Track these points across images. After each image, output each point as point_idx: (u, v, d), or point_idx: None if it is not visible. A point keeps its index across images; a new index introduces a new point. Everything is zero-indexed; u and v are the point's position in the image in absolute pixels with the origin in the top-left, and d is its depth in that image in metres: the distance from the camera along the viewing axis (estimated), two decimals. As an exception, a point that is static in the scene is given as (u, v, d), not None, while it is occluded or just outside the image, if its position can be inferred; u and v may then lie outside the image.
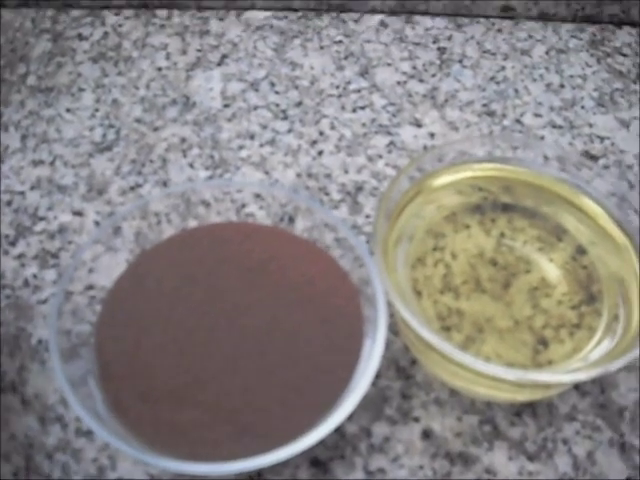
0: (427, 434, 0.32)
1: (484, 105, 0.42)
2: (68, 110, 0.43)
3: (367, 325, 0.31)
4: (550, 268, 0.34)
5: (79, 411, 0.28)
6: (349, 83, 0.43)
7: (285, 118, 0.42)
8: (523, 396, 0.33)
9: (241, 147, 0.40)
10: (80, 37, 0.46)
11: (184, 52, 0.45)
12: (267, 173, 0.39)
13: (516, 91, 0.43)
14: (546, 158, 0.36)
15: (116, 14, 0.47)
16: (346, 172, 0.39)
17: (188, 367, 0.30)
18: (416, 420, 0.33)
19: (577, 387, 0.34)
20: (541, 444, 0.32)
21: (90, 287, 0.36)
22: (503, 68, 0.44)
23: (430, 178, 0.35)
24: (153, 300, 0.32)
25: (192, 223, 0.35)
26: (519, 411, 0.33)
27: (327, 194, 0.39)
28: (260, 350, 0.30)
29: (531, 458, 0.32)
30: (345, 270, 0.33)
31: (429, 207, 0.35)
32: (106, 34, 0.46)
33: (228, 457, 0.27)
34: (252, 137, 0.41)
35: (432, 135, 0.41)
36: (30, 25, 0.47)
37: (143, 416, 0.29)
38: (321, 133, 0.41)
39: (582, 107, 0.42)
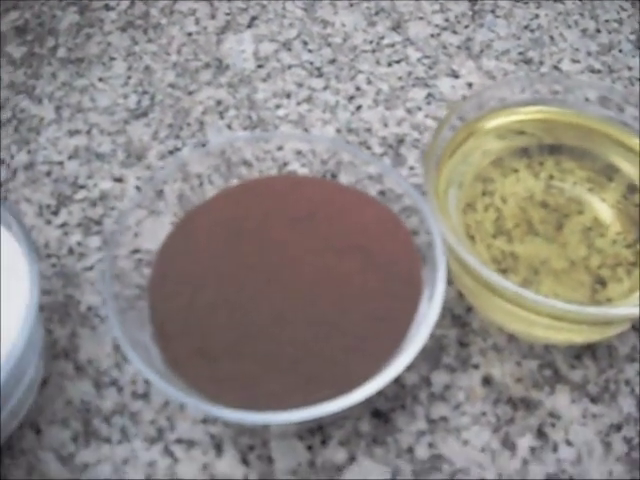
0: (487, 380, 0.31)
1: (520, 53, 0.41)
2: (100, 79, 0.42)
3: (424, 271, 0.30)
4: (602, 208, 0.33)
5: (142, 368, 0.27)
6: (382, 38, 0.42)
7: (320, 75, 0.40)
8: (581, 337, 0.32)
9: (278, 106, 0.39)
10: (107, 7, 0.45)
11: (213, 16, 0.44)
12: (306, 130, 0.38)
13: (552, 38, 0.41)
14: (587, 99, 0.35)
15: (141, -17, 0.46)
16: (386, 125, 0.38)
17: (244, 321, 0.29)
18: (475, 367, 0.32)
19: (636, 328, 0.33)
20: (603, 386, 0.31)
21: (136, 251, 0.35)
22: (537, 16, 0.43)
23: (472, 125, 0.34)
24: (203, 257, 0.31)
25: (235, 183, 0.34)
26: (579, 354, 0.32)
27: (369, 148, 0.38)
28: (315, 300, 0.29)
29: (594, 400, 0.31)
30: (398, 216, 0.32)
31: (475, 153, 0.34)
32: (133, 3, 0.45)
33: (289, 407, 0.26)
34: (288, 96, 0.40)
35: (470, 85, 0.40)
36: (56, -1, 0.46)
37: (203, 372, 0.28)
38: (358, 88, 0.40)
39: (620, 51, 0.41)
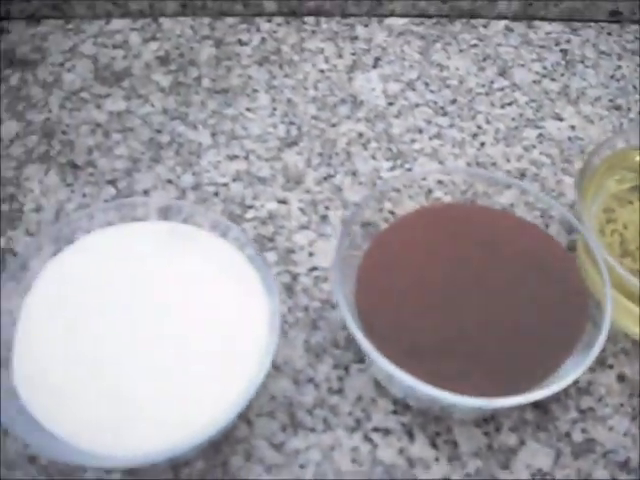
0: (621, 378, 0.38)
1: (610, 100, 0.48)
2: (248, 109, 0.47)
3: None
4: None
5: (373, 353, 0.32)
6: (492, 82, 0.49)
7: (445, 114, 0.47)
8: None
9: (413, 140, 0.45)
10: (240, 42, 0.50)
11: (340, 56, 0.49)
12: (441, 163, 0.45)
13: (634, 87, 0.49)
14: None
15: (268, 21, 0.51)
16: (508, 160, 0.45)
17: (446, 325, 0.35)
18: (610, 367, 0.39)
19: None
20: None
21: (313, 269, 0.41)
22: (619, 67, 0.50)
23: (597, 168, 0.41)
24: (402, 272, 0.37)
25: (387, 205, 0.40)
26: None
27: (497, 180, 0.44)
28: (503, 309, 0.36)
29: None
30: (555, 238, 0.38)
31: (600, 191, 0.41)
32: (264, 40, 0.50)
33: (486, 396, 0.32)
34: (420, 131, 0.46)
35: (573, 127, 0.47)
36: (190, 32, 0.50)
37: (412, 370, 0.34)
38: (479, 127, 0.46)
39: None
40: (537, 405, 0.37)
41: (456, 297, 0.36)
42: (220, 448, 0.36)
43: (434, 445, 0.36)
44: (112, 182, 0.44)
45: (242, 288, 0.35)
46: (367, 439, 0.36)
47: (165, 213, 0.38)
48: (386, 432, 0.36)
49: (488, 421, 0.37)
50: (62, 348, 0.34)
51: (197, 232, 0.37)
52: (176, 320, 0.34)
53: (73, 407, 0.32)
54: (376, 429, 0.36)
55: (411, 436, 0.36)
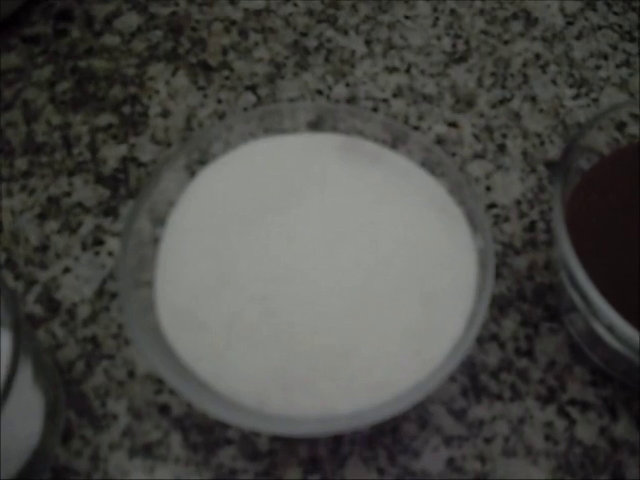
0: None
1: None
2: (407, 17, 0.37)
3: None
4: None
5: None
6: (683, 8, 0.39)
7: (632, 40, 0.37)
8: None
9: (598, 67, 0.36)
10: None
11: (508, -35, 0.39)
12: (632, 95, 0.35)
13: None
14: None
15: None
16: None
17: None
18: None
19: None
20: None
21: (492, 205, 0.32)
22: None
23: None
24: (613, 209, 0.27)
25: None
26: None
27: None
28: None
29: None
30: None
31: None
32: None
33: None
34: (605, 57, 0.36)
35: None
36: None
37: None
38: (671, 58, 0.37)
39: None
40: None
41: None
42: (388, 410, 0.27)
43: (641, 427, 0.28)
44: (252, 88, 0.34)
45: (441, 219, 0.26)
46: (562, 413, 0.28)
47: (317, 123, 0.29)
48: (584, 406, 0.28)
49: None
50: (217, 280, 0.25)
51: (378, 149, 0.28)
52: (360, 256, 0.25)
53: (232, 354, 0.24)
54: (572, 402, 0.28)
55: (614, 414, 0.28)
